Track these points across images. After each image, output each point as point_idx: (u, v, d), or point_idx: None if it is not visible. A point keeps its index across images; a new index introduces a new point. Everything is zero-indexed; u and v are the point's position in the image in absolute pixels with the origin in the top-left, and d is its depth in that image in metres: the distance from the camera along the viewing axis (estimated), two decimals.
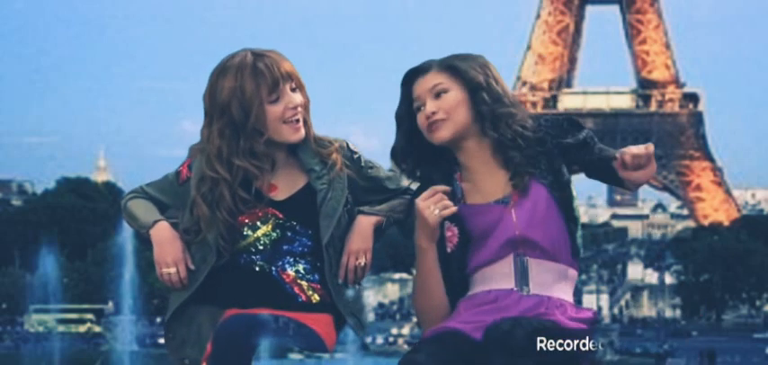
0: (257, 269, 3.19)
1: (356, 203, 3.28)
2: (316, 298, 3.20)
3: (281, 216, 3.19)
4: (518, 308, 3.03)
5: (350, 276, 3.23)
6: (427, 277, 3.12)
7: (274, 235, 3.19)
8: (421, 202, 3.05)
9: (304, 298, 3.19)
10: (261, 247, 3.19)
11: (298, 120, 3.17)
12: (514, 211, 3.08)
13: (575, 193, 3.15)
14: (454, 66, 3.13)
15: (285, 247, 3.19)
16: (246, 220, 3.19)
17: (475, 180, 3.14)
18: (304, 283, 3.19)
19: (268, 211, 3.19)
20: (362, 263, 3.22)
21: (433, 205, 3.04)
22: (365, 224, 3.25)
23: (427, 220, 3.04)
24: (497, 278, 3.08)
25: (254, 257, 3.19)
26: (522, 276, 3.07)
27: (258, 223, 3.19)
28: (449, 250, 3.13)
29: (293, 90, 3.18)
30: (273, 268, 3.19)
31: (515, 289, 3.06)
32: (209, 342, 3.05)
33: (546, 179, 3.09)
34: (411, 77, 3.18)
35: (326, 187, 3.20)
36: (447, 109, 3.11)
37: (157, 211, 3.24)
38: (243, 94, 3.12)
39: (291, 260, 3.20)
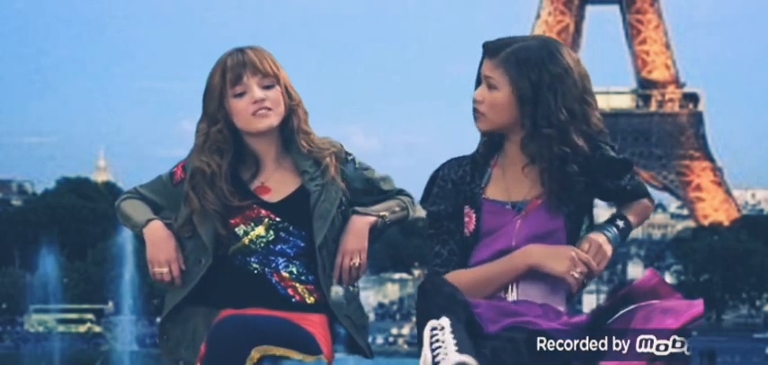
0: (252, 270, 3.20)
1: (351, 204, 3.28)
2: (310, 299, 3.20)
3: (274, 217, 3.19)
4: (503, 313, 3.03)
5: (345, 276, 3.23)
6: (492, 287, 3.10)
7: (268, 236, 3.20)
8: (573, 262, 3.05)
9: (298, 298, 3.19)
10: (255, 249, 3.20)
11: (262, 112, 3.19)
12: (520, 223, 3.10)
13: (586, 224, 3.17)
14: (509, 69, 3.08)
15: (279, 248, 3.20)
16: (240, 222, 3.19)
17: (506, 172, 3.15)
18: (298, 284, 3.20)
19: (261, 213, 3.20)
20: (357, 264, 3.22)
21: (577, 271, 3.05)
22: (360, 224, 3.25)
23: (562, 273, 3.05)
24: None
25: (248, 259, 3.20)
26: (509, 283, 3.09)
27: (252, 224, 3.20)
28: (465, 235, 3.15)
29: (267, 87, 3.20)
30: (268, 269, 3.20)
31: (502, 295, 3.09)
32: (203, 343, 3.06)
33: (567, 207, 3.11)
34: (484, 51, 3.15)
35: (320, 189, 3.21)
36: (490, 105, 3.10)
37: (151, 211, 3.26)
38: (211, 87, 3.21)
39: (286, 261, 3.20)
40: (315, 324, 3.16)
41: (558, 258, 3.04)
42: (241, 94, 3.19)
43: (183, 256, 3.22)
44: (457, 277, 3.09)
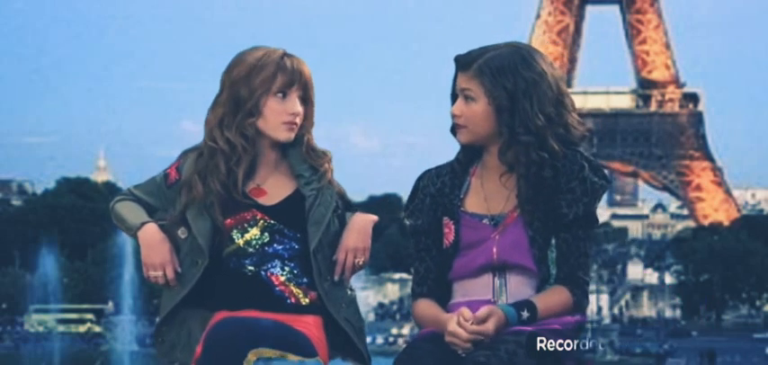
0: (247, 273, 3.17)
1: (348, 208, 3.27)
2: (305, 300, 3.17)
3: (269, 220, 3.18)
4: None
5: (347, 274, 3.21)
6: (430, 325, 3.12)
7: (263, 238, 3.17)
8: (456, 336, 2.94)
9: (293, 300, 3.17)
10: (250, 251, 3.17)
11: (293, 126, 3.18)
12: (498, 237, 3.08)
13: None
14: (484, 80, 3.05)
15: (273, 250, 3.18)
16: (234, 224, 3.18)
17: (484, 182, 3.13)
18: (293, 286, 3.17)
19: (257, 215, 3.18)
20: (361, 263, 3.21)
21: (464, 341, 2.94)
22: (363, 222, 3.23)
23: (456, 345, 2.96)
24: (477, 290, 3.10)
25: (243, 261, 3.18)
26: (499, 289, 3.09)
27: (246, 226, 3.18)
28: (445, 246, 3.14)
29: (303, 100, 3.19)
30: (263, 271, 3.17)
31: (493, 299, 3.08)
32: (199, 345, 3.05)
33: (532, 217, 3.06)
34: (457, 65, 3.12)
35: (315, 193, 3.19)
36: (469, 117, 3.08)
37: (145, 213, 3.23)
38: (257, 75, 3.15)
39: (280, 263, 3.18)
40: (310, 326, 3.14)
41: (449, 337, 2.97)
42: (282, 99, 3.16)
43: (179, 258, 3.20)
44: (424, 309, 3.13)
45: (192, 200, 3.18)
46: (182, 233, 3.19)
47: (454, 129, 3.13)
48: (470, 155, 3.15)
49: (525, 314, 2.99)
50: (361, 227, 3.22)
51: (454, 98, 3.12)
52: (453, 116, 3.11)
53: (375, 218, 3.25)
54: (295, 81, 3.16)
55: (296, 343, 3.06)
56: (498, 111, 3.04)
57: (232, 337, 3.00)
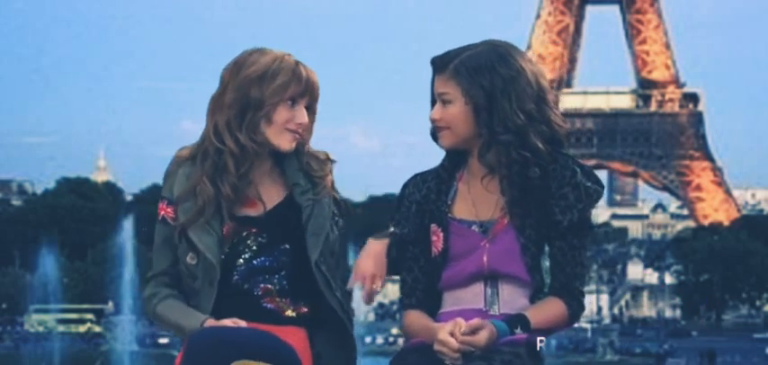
0: (233, 283, 3.11)
1: (343, 215, 3.21)
2: (290, 312, 3.13)
3: (256, 230, 3.12)
4: None
5: (364, 298, 3.12)
6: (419, 335, 3.06)
7: (251, 249, 3.12)
8: (445, 344, 2.87)
9: (279, 312, 3.12)
10: (239, 262, 3.11)
11: (296, 136, 3.12)
12: (488, 246, 3.01)
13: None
14: (460, 80, 2.97)
15: (260, 261, 3.12)
16: (225, 234, 3.11)
17: (471, 188, 3.06)
18: (279, 298, 3.12)
19: (244, 225, 3.12)
20: (378, 287, 3.11)
21: (452, 352, 2.87)
22: (378, 248, 3.13)
23: (444, 354, 2.89)
24: (468, 299, 3.04)
25: (231, 273, 3.11)
26: (491, 298, 3.03)
27: (234, 236, 3.11)
28: (433, 254, 3.07)
29: (308, 110, 3.13)
30: (248, 282, 3.11)
31: (484, 308, 3.02)
32: (179, 355, 2.97)
33: (523, 223, 3.00)
34: (433, 68, 3.05)
35: (312, 203, 3.13)
36: (449, 120, 3.00)
37: (196, 312, 3.09)
38: (272, 80, 3.08)
39: (267, 275, 3.12)
40: (295, 338, 3.08)
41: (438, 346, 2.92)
42: (291, 106, 3.10)
43: (196, 286, 3.10)
44: (413, 320, 3.07)
45: (203, 205, 3.08)
46: (191, 259, 3.10)
47: (434, 134, 3.06)
48: (456, 159, 3.08)
49: (518, 331, 2.93)
50: (375, 252, 3.12)
51: (434, 102, 3.06)
52: (432, 121, 3.03)
53: (386, 241, 3.15)
54: (306, 91, 3.11)
55: (280, 354, 2.97)
56: (476, 111, 2.96)
57: (214, 346, 2.92)
